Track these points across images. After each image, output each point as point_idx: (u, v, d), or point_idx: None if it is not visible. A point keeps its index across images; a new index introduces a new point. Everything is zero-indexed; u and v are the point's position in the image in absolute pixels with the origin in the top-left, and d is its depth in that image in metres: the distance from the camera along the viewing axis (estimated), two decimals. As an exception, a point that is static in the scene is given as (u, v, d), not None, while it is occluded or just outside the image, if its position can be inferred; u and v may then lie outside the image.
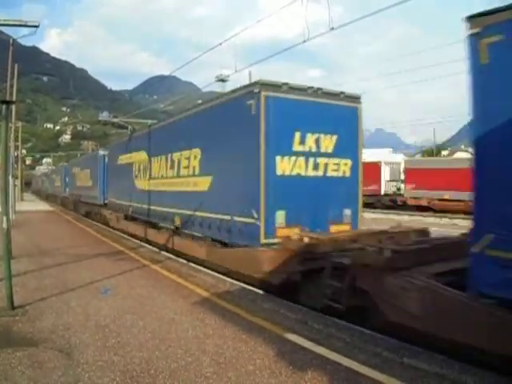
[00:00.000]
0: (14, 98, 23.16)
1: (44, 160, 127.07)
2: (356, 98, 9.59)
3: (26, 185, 75.90)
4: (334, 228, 9.06)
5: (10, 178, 17.51)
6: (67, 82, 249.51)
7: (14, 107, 22.88)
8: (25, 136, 79.20)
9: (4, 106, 6.63)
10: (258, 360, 4.79)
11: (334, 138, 9.07)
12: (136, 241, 15.50)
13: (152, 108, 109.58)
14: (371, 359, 4.80)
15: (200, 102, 12.88)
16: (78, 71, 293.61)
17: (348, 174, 9.41)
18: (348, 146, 9.38)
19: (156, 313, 6.56)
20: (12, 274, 6.78)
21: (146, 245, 14.43)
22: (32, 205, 39.86)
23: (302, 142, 8.67)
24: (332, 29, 9.82)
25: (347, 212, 9.34)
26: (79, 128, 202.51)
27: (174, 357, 4.86)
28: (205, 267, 10.48)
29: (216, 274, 9.62)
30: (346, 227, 9.29)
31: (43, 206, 39.24)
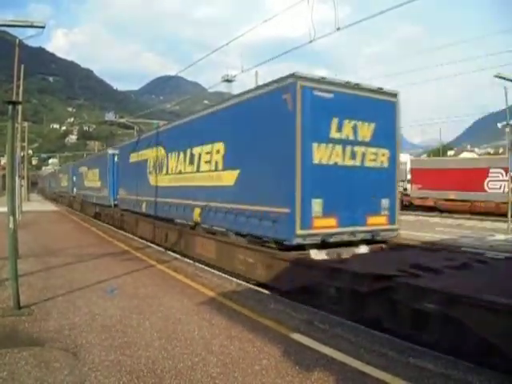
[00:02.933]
0: (20, 99, 23.28)
1: (50, 160, 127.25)
2: (393, 94, 9.51)
3: (33, 185, 76.47)
4: (370, 220, 8.99)
5: (17, 178, 17.63)
6: (73, 83, 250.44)
7: (20, 108, 23.02)
8: (31, 136, 79.68)
9: (10, 107, 6.64)
10: (264, 360, 4.79)
11: (372, 126, 8.93)
12: (142, 241, 15.59)
13: (159, 108, 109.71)
14: (377, 359, 4.79)
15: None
16: (83, 71, 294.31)
17: (386, 164, 9.28)
18: (386, 137, 9.27)
19: (162, 313, 6.57)
20: (18, 273, 6.80)
21: (153, 245, 14.48)
22: (38, 205, 40.11)
23: (339, 129, 8.50)
24: (338, 29, 9.79)
25: (385, 204, 9.24)
26: (85, 128, 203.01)
27: (181, 357, 4.86)
28: (211, 267, 10.53)
29: (222, 275, 9.64)
30: (383, 219, 9.24)
31: (48, 207, 39.45)
